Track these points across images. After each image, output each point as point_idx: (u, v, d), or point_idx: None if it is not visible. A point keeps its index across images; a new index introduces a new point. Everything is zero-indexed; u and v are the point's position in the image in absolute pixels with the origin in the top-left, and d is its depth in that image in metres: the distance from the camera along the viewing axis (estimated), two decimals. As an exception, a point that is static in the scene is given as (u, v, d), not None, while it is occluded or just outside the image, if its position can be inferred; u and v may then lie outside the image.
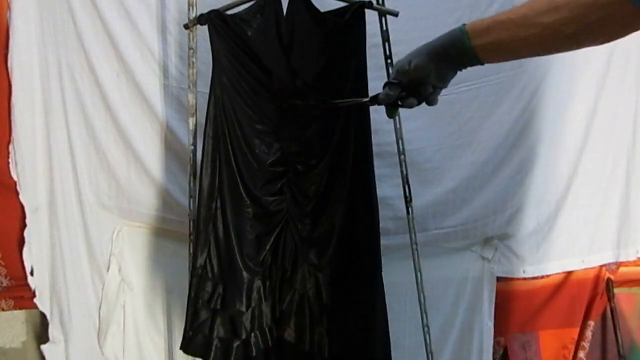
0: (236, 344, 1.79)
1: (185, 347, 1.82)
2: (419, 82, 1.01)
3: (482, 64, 0.97)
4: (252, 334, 1.79)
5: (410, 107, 1.04)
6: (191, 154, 1.94)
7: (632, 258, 2.43)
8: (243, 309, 1.79)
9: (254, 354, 1.79)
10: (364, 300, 1.80)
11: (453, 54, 0.97)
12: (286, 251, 1.82)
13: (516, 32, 0.89)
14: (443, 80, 1.01)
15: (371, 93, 1.84)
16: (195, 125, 1.94)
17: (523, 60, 2.16)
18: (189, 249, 1.93)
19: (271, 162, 1.83)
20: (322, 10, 1.81)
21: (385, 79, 1.90)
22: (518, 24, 0.89)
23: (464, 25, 0.95)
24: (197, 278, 1.80)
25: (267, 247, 1.82)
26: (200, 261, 1.81)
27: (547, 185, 2.35)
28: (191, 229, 1.92)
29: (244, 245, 1.81)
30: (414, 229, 1.99)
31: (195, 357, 1.86)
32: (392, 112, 1.07)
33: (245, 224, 1.83)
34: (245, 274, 1.80)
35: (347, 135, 1.81)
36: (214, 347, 1.79)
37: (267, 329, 1.81)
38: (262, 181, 1.83)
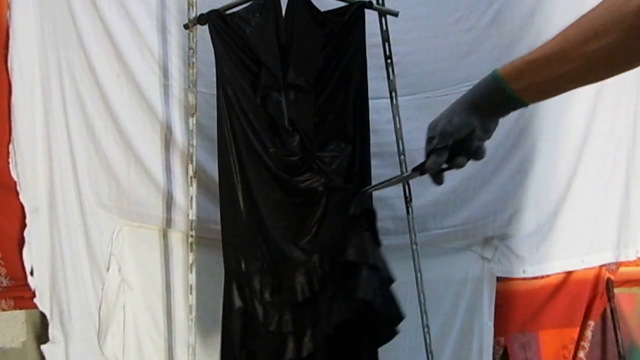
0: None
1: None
2: (464, 139, 0.95)
3: (526, 105, 0.91)
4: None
5: (460, 167, 0.98)
6: (191, 154, 1.94)
7: (632, 258, 2.42)
8: (299, 298, 1.77)
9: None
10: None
11: (495, 103, 0.91)
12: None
13: (557, 69, 0.83)
14: (487, 132, 0.97)
15: (371, 94, 1.86)
16: (195, 125, 1.94)
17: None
18: (189, 249, 1.93)
19: (281, 158, 1.82)
20: (322, 10, 1.81)
21: (385, 79, 1.93)
22: (556, 59, 0.82)
23: (495, 71, 0.90)
24: (256, 275, 1.81)
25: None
26: (255, 262, 1.81)
27: (547, 185, 2.35)
28: (191, 228, 1.92)
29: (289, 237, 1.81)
30: (414, 229, 1.99)
31: (195, 355, 1.86)
32: (440, 179, 1.01)
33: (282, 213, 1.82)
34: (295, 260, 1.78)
35: (346, 134, 1.81)
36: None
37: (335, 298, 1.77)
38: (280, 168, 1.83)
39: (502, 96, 0.89)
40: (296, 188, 1.81)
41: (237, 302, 1.80)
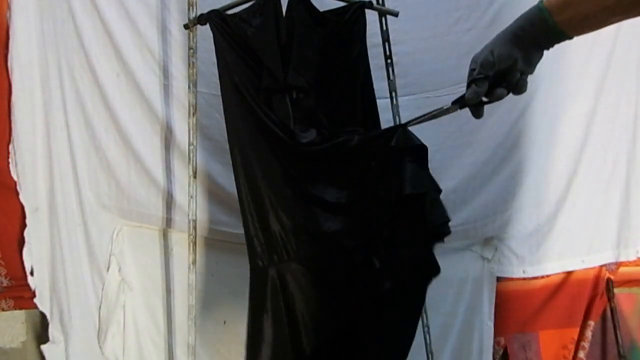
0: None
1: None
2: (506, 71, 0.94)
3: (570, 38, 0.91)
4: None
5: (500, 98, 0.97)
6: (191, 154, 1.94)
7: (632, 258, 2.43)
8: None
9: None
10: None
11: (537, 34, 0.91)
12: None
13: (600, 1, 0.83)
14: (530, 65, 0.95)
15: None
16: (195, 125, 1.94)
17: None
18: (189, 249, 1.93)
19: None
20: (322, 10, 1.81)
21: (385, 79, 1.93)
22: None
23: (540, 2, 0.89)
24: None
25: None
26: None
27: (547, 185, 2.35)
28: (191, 228, 1.92)
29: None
30: (414, 229, 1.99)
31: (195, 355, 1.85)
32: (479, 111, 1.00)
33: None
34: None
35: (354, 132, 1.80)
36: None
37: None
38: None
39: (545, 28, 0.89)
40: (327, 154, 1.69)
41: (269, 303, 1.72)
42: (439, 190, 1.60)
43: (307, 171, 1.71)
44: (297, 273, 1.72)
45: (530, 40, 0.92)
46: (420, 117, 1.30)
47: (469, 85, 0.98)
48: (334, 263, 1.69)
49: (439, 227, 1.57)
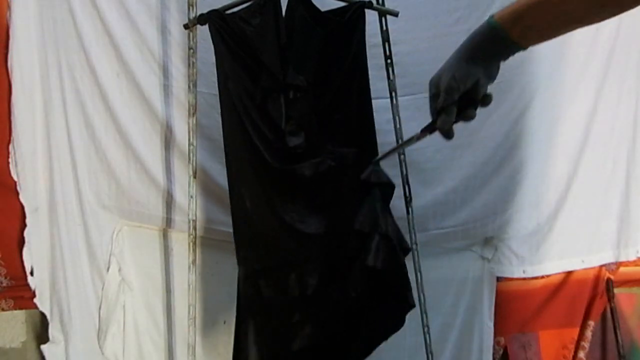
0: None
1: None
2: (471, 90, 0.94)
3: (525, 49, 0.91)
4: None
5: (471, 119, 0.97)
6: (191, 154, 1.94)
7: (632, 258, 2.43)
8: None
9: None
10: None
11: (493, 49, 0.91)
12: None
13: (555, 9, 0.83)
14: (491, 77, 0.95)
15: (371, 94, 1.86)
16: (196, 125, 1.94)
17: (523, 61, 2.16)
18: (189, 249, 1.93)
19: (283, 159, 1.81)
20: (322, 10, 1.81)
21: (385, 79, 1.93)
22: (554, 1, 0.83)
23: (491, 18, 0.90)
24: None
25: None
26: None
27: (547, 185, 2.35)
28: (191, 229, 1.92)
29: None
30: (414, 229, 1.99)
31: (195, 355, 1.86)
32: (450, 133, 0.98)
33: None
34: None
35: (350, 133, 1.81)
36: None
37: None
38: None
39: (501, 43, 0.90)
40: (303, 176, 1.77)
41: (252, 302, 1.81)
42: (394, 237, 1.64)
43: (282, 189, 1.80)
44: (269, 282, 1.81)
45: (488, 55, 0.92)
46: (390, 150, 1.31)
47: (438, 114, 0.97)
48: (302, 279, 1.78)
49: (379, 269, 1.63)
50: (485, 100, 0.97)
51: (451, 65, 0.95)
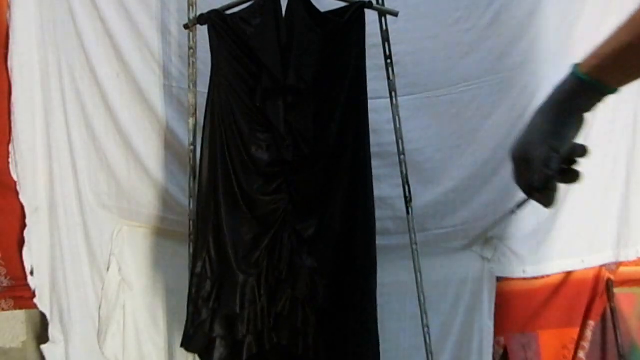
0: (234, 343, 1.79)
1: (187, 345, 1.81)
2: (569, 154, 0.89)
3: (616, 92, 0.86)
4: (247, 336, 1.79)
5: (576, 181, 0.92)
6: (191, 154, 1.94)
7: (632, 258, 2.42)
8: (237, 310, 1.78)
9: (247, 355, 1.78)
10: (359, 305, 1.79)
11: (589, 105, 0.87)
12: (282, 253, 1.80)
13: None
14: (580, 129, 0.90)
15: (371, 94, 1.85)
16: (195, 125, 1.94)
17: (523, 61, 2.16)
18: (189, 249, 1.93)
19: (268, 162, 1.82)
20: (322, 10, 1.81)
21: (385, 79, 1.93)
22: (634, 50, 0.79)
23: (578, 73, 0.85)
24: (197, 277, 1.80)
25: (263, 248, 1.80)
26: (200, 260, 1.80)
27: (547, 185, 2.34)
28: (191, 228, 1.92)
29: (239, 246, 1.80)
30: (414, 229, 1.99)
31: (195, 354, 1.86)
32: (555, 204, 0.92)
33: (241, 225, 1.81)
34: (239, 274, 1.79)
35: (345, 136, 1.80)
36: (215, 345, 1.79)
37: (263, 331, 1.80)
38: (259, 181, 1.82)
39: (599, 96, 0.85)
40: (261, 206, 1.82)
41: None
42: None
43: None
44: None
45: (580, 111, 0.88)
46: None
47: (537, 190, 0.90)
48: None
49: None
50: (585, 154, 0.91)
51: (537, 135, 0.87)
